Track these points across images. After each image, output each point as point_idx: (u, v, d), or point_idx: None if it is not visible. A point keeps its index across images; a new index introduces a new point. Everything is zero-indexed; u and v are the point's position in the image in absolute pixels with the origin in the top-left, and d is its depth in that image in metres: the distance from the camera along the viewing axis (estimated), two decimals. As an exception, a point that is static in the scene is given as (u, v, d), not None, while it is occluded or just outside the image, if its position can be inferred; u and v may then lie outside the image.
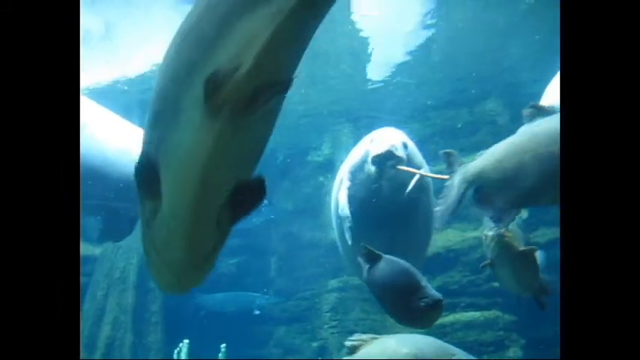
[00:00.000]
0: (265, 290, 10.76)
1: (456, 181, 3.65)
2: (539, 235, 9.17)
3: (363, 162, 4.66)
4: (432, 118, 9.40)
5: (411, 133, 9.61)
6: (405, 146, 4.60)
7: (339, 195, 4.80)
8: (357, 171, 4.72)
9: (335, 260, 8.61)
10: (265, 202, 1.95)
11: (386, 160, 4.42)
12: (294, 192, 11.02)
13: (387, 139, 4.54)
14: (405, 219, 4.78)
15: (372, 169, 4.51)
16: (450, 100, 9.21)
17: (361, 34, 7.66)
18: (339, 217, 4.83)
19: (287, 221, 11.10)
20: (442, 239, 9.54)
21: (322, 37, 7.65)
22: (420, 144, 9.80)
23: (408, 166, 4.51)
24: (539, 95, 7.75)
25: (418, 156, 4.84)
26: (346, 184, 4.74)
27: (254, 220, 11.82)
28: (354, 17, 7.32)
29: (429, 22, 7.35)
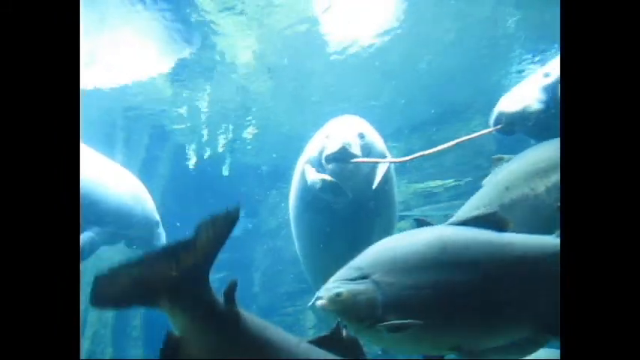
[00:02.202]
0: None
1: None
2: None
3: (321, 156, 4.32)
4: (414, 136, 9.50)
5: (392, 149, 9.71)
6: (362, 136, 4.32)
7: (309, 175, 4.42)
8: (314, 166, 4.43)
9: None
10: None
11: (340, 157, 4.18)
12: (279, 207, 11.01)
13: (341, 134, 4.23)
14: (367, 213, 4.49)
15: (329, 167, 4.24)
16: (432, 117, 9.28)
17: (340, 55, 7.74)
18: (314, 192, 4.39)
19: (271, 236, 11.07)
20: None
21: (303, 59, 7.77)
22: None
23: (368, 155, 4.24)
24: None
25: (379, 143, 4.54)
26: (312, 174, 4.37)
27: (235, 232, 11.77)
28: (328, 38, 7.40)
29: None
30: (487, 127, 10.29)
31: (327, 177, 4.19)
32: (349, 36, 7.38)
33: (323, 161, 4.20)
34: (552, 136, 3.67)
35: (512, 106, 3.83)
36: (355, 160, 4.13)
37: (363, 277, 2.57)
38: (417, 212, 9.96)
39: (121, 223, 5.05)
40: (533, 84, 3.85)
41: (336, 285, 2.60)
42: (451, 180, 9.98)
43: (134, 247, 5.52)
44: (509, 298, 2.51)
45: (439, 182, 10.03)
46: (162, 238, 5.61)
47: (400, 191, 10.06)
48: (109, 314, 9.12)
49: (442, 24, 7.15)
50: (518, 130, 3.92)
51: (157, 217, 5.47)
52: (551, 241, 2.61)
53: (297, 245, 5.22)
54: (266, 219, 11.39)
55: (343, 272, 2.68)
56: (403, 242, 2.69)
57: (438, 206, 9.86)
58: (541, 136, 3.96)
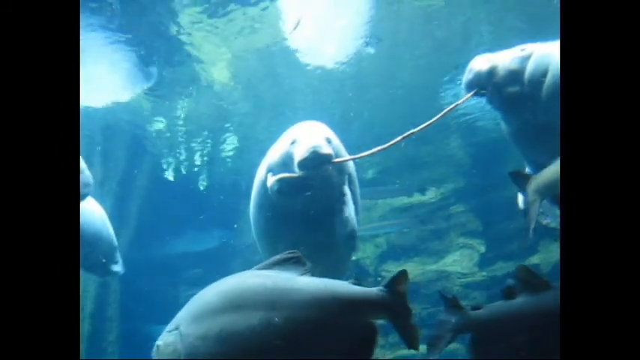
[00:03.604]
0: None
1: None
2: (497, 269, 9.36)
3: (285, 163, 4.28)
4: (391, 151, 9.55)
5: (372, 165, 9.74)
6: (329, 141, 4.25)
7: (268, 182, 4.39)
8: (279, 171, 4.36)
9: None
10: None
11: (313, 162, 4.05)
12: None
13: (310, 138, 4.19)
14: (331, 215, 4.42)
15: (299, 173, 4.12)
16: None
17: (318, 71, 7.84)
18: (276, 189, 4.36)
19: (250, 249, 11.03)
20: (403, 272, 9.64)
21: (281, 75, 7.84)
22: (382, 176, 10.00)
23: (336, 158, 4.21)
24: (496, 131, 7.90)
25: (342, 148, 4.50)
26: (272, 180, 4.34)
27: (208, 244, 11.79)
28: (303, 55, 7.52)
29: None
30: (465, 142, 10.38)
31: (285, 175, 4.19)
32: (324, 52, 7.46)
33: (295, 167, 4.16)
34: (516, 111, 3.86)
35: (483, 64, 3.93)
36: (335, 160, 4.13)
37: (176, 328, 2.71)
38: (394, 226, 10.05)
39: (90, 245, 5.19)
40: (508, 53, 3.97)
41: (162, 335, 2.75)
42: (430, 194, 10.08)
43: (92, 272, 5.78)
44: (302, 341, 2.61)
45: (418, 197, 10.13)
46: (120, 262, 5.81)
47: (378, 206, 10.14)
48: (84, 329, 9.01)
49: (416, 39, 7.28)
50: (485, 91, 3.98)
51: (116, 242, 5.64)
52: (347, 287, 2.77)
53: (260, 251, 5.21)
54: (245, 233, 11.36)
55: (170, 323, 2.82)
56: (208, 292, 2.82)
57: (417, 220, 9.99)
58: (505, 108, 4.05)
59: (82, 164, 4.14)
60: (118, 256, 5.78)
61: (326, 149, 4.06)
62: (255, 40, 7.07)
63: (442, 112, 3.92)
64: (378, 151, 3.93)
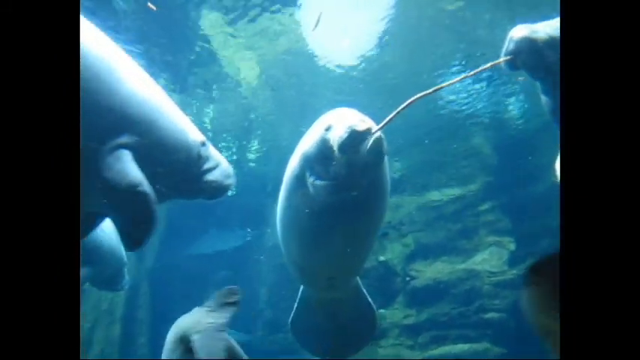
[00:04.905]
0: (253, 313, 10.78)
1: None
2: (528, 267, 9.22)
3: (322, 151, 4.19)
4: (414, 151, 9.53)
5: (399, 164, 9.66)
6: (363, 120, 4.13)
7: (311, 185, 4.32)
8: (316, 162, 4.28)
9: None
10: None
11: (354, 141, 3.95)
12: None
13: (345, 120, 4.11)
14: (366, 201, 4.38)
15: (340, 157, 4.01)
16: (433, 133, 9.31)
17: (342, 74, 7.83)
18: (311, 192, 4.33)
19: (277, 251, 11.09)
20: (431, 271, 9.55)
21: (305, 76, 7.86)
22: (409, 174, 9.94)
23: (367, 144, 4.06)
24: (523, 125, 7.78)
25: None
26: (318, 184, 4.27)
27: (232, 243, 11.93)
28: (326, 55, 7.53)
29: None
30: (487, 141, 10.20)
31: (332, 183, 4.18)
32: (345, 53, 7.48)
33: (335, 151, 4.10)
34: (555, 82, 3.74)
35: (523, 33, 3.82)
36: (376, 129, 4.06)
37: None
38: (423, 227, 9.98)
39: (104, 263, 5.34)
40: (549, 22, 3.88)
41: None
42: (455, 192, 9.98)
43: (99, 287, 6.11)
44: None
45: (444, 195, 10.03)
46: (127, 278, 6.04)
47: (404, 204, 10.08)
48: (116, 332, 9.15)
49: (440, 39, 7.23)
50: (524, 63, 3.88)
51: (126, 259, 5.85)
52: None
53: (282, 241, 5.19)
54: (271, 233, 11.43)
55: None
56: None
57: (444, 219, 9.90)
58: (545, 79, 3.95)
59: (219, 155, 3.96)
60: (126, 272, 5.98)
61: (363, 125, 3.98)
62: (278, 43, 7.11)
63: (470, 73, 3.88)
64: (424, 95, 3.84)
